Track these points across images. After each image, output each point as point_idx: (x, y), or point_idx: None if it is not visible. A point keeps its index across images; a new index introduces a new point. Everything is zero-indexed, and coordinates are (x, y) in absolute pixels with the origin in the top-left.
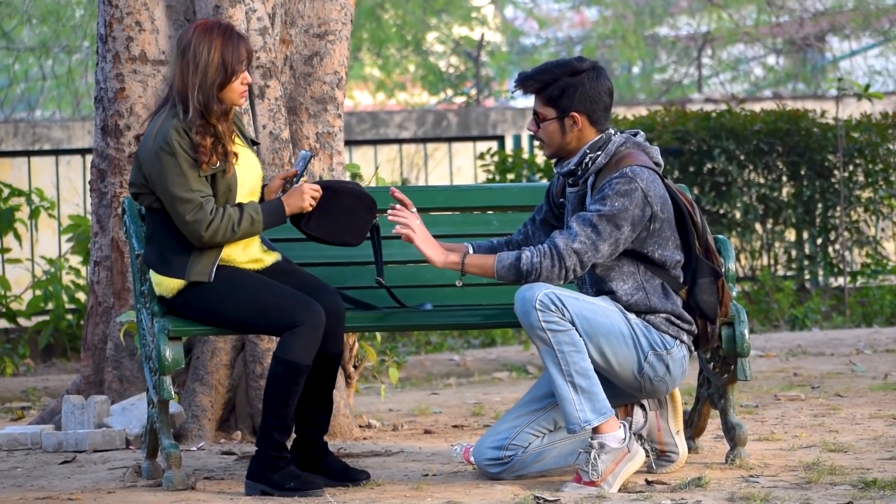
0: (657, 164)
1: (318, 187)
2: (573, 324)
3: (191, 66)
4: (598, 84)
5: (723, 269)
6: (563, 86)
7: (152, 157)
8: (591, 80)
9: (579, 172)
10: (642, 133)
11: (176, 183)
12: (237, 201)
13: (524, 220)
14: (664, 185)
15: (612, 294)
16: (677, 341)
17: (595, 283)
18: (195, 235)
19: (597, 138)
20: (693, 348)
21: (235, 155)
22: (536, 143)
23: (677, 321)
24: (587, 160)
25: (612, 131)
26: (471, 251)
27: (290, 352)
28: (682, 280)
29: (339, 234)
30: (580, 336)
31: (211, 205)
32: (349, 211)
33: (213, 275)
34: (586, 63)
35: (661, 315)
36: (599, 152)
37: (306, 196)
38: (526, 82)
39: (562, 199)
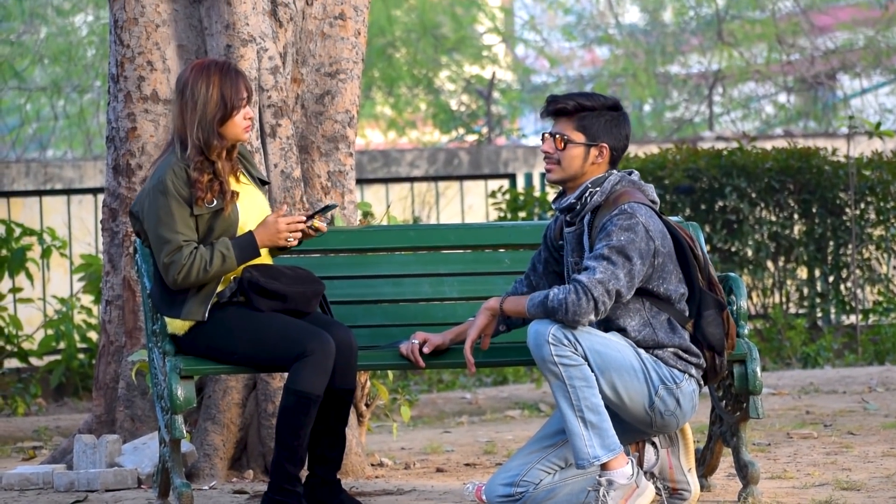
0: (653, 201)
1: (295, 218)
2: (586, 359)
3: (189, 104)
4: (627, 127)
5: (726, 302)
6: (603, 116)
7: (146, 195)
8: (625, 121)
9: (578, 207)
10: (636, 172)
11: (162, 222)
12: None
13: (525, 272)
14: (662, 221)
15: (622, 332)
16: (686, 375)
17: (602, 322)
18: (168, 277)
19: (599, 175)
20: (703, 382)
21: (235, 194)
22: (546, 163)
23: (685, 355)
24: (587, 195)
25: (612, 170)
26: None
27: (300, 382)
28: (687, 314)
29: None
30: (592, 371)
31: (190, 248)
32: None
33: (206, 314)
34: (621, 106)
35: (669, 350)
36: (598, 189)
37: (282, 231)
38: (565, 100)
39: (561, 241)
